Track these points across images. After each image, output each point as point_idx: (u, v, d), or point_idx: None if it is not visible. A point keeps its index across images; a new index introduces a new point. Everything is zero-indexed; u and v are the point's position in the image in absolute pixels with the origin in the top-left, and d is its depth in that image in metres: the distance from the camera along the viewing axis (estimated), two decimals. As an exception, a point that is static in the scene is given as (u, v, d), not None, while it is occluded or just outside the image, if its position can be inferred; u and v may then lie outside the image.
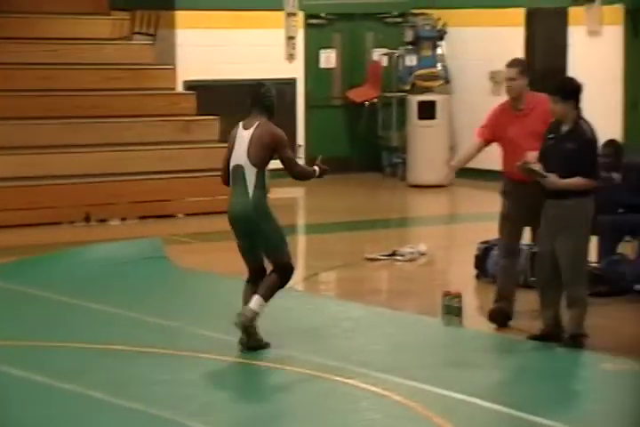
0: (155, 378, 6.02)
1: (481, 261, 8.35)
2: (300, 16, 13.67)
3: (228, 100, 13.35)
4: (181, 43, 12.97)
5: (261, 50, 13.35)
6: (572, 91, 6.41)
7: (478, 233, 9.02)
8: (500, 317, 6.96)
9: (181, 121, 12.04)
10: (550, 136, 6.49)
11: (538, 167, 6.38)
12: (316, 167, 6.66)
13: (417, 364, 6.28)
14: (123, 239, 9.65)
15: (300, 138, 13.75)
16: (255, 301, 6.41)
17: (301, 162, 13.35)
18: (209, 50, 13.02)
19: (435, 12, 13.69)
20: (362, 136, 14.06)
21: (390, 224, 11.67)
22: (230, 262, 9.36)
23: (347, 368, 6.17)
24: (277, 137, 6.45)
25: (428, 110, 13.34)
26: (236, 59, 13.16)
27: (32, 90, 11.64)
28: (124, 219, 11.09)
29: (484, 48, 13.31)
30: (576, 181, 6.33)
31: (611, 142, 8.39)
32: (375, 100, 14.01)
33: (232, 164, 6.51)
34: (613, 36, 12.08)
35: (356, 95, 14.07)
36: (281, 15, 13.53)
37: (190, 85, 12.85)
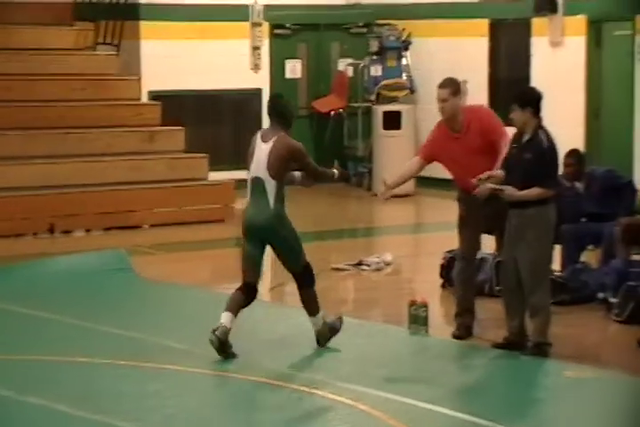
0: (119, 390, 5.98)
1: (446, 270, 8.38)
2: (266, 26, 13.69)
3: (193, 110, 13.35)
4: (146, 53, 12.94)
5: (226, 60, 13.35)
6: (529, 99, 6.46)
7: (443, 242, 9.05)
8: (464, 333, 6.97)
9: (146, 131, 12.01)
10: (513, 146, 6.53)
11: (491, 184, 6.41)
12: (335, 171, 6.91)
13: (383, 373, 6.28)
14: (87, 251, 9.59)
15: (266, 148, 13.73)
16: (313, 322, 6.72)
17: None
18: (174, 60, 13.00)
19: (400, 23, 13.76)
20: (328, 146, 14.09)
21: (356, 234, 11.69)
22: (195, 273, 9.35)
23: (313, 378, 6.16)
24: (295, 149, 6.63)
25: (393, 120, 13.40)
26: (201, 69, 13.15)
27: (-6, 100, 11.58)
28: (88, 230, 11.02)
29: (448, 58, 13.40)
30: (533, 192, 6.38)
31: (573, 152, 8.46)
32: (341, 111, 14.05)
33: (251, 175, 6.72)
34: (576, 46, 12.20)
35: (322, 105, 14.10)
36: (246, 25, 13.55)
37: (155, 96, 12.82)
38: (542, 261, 6.48)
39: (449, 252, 8.43)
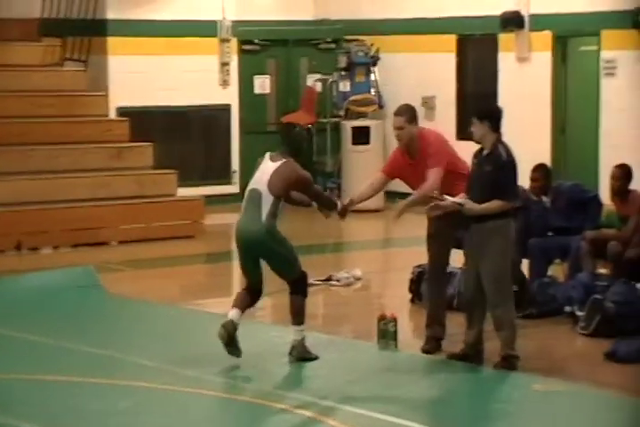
0: (89, 408, 5.94)
1: (415, 284, 8.41)
2: (234, 42, 13.71)
3: (161, 126, 13.33)
4: (114, 69, 12.91)
5: (195, 76, 13.34)
6: (487, 113, 6.58)
7: (412, 257, 9.07)
8: (433, 347, 6.99)
9: (114, 148, 11.97)
10: (474, 161, 6.61)
11: (448, 201, 6.48)
12: (339, 202, 7.08)
13: (352, 388, 6.29)
14: (55, 268, 9.53)
15: (235, 164, 13.75)
16: (294, 332, 6.76)
17: (236, 188, 13.40)
18: (142, 76, 12.98)
19: (368, 39, 13.84)
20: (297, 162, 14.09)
21: (325, 249, 11.70)
22: (164, 289, 9.31)
23: (282, 394, 6.15)
24: (303, 179, 6.80)
25: (362, 136, 13.45)
26: (169, 85, 13.15)
27: (-40, 117, 11.51)
28: (56, 247, 10.95)
29: (416, 74, 13.48)
30: (493, 204, 6.45)
31: (540, 166, 8.53)
32: (310, 126, 14.08)
33: (250, 187, 6.79)
34: (542, 61, 12.32)
35: (291, 121, 14.12)
36: (215, 41, 13.56)
37: (123, 112, 12.79)
38: (504, 274, 6.54)
39: (418, 267, 8.46)
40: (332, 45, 14.27)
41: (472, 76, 13.23)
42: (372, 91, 13.73)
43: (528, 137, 12.21)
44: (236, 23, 13.65)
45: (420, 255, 8.66)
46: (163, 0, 13.28)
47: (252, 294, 6.85)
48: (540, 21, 12.30)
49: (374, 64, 13.74)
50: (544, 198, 8.40)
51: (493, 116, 6.54)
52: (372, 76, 13.76)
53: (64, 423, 5.66)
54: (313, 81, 14.17)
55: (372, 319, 7.40)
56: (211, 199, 12.33)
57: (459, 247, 7.11)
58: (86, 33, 12.69)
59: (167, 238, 11.28)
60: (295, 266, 6.80)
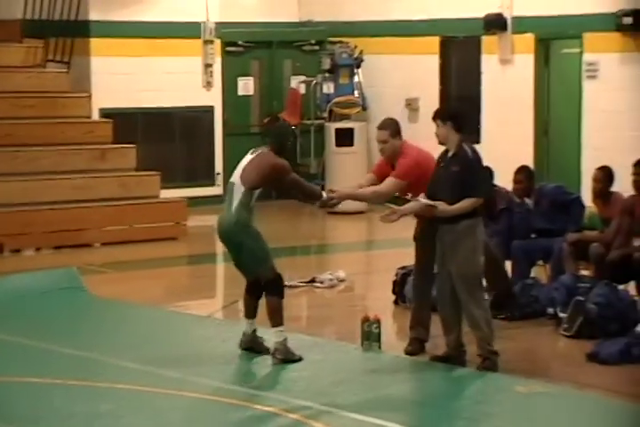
0: (70, 410, 5.92)
1: (399, 286, 8.42)
2: (218, 44, 13.69)
3: (145, 127, 13.30)
4: (96, 70, 12.87)
5: (178, 77, 13.32)
6: (449, 114, 6.64)
7: (396, 259, 9.09)
8: (416, 349, 7.00)
9: (97, 149, 11.93)
10: (440, 165, 6.64)
11: (424, 200, 6.53)
12: (324, 193, 6.93)
13: (336, 390, 6.29)
14: (38, 269, 9.49)
15: (219, 166, 13.73)
16: (274, 334, 6.74)
17: (220, 189, 13.38)
18: (125, 77, 12.95)
19: (352, 40, 13.85)
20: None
21: (309, 251, 11.70)
22: (147, 291, 9.29)
23: (266, 396, 6.15)
24: (277, 167, 6.72)
25: (345, 137, 13.46)
26: (152, 86, 13.12)
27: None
28: (38, 249, 10.91)
29: (400, 76, 13.50)
30: (466, 203, 6.49)
31: (523, 168, 8.55)
32: (294, 128, 14.07)
33: (230, 180, 6.84)
34: (524, 64, 12.36)
35: (275, 122, 14.11)
36: (198, 43, 13.54)
37: (106, 113, 12.75)
38: (476, 273, 6.57)
39: (402, 268, 8.47)
40: (316, 47, 14.28)
41: (455, 78, 13.26)
42: (356, 93, 13.74)
43: (511, 139, 12.25)
44: (220, 25, 13.64)
45: (404, 257, 8.68)
46: (146, 1, 13.26)
47: (254, 293, 6.82)
48: (522, 24, 12.34)
49: (358, 66, 13.75)
50: (527, 200, 8.42)
51: (456, 117, 6.59)
52: (356, 78, 13.77)
53: (44, 425, 5.63)
54: (297, 83, 14.17)
55: (355, 321, 7.41)
56: (194, 201, 12.31)
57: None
58: (69, 34, 12.65)
59: (150, 240, 11.26)
60: (265, 265, 6.72)
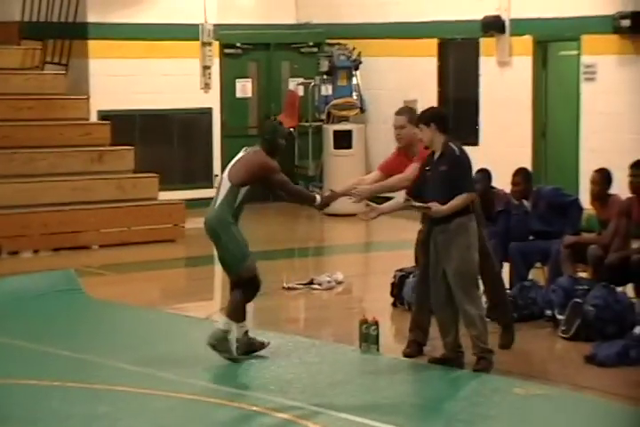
0: (68, 412, 5.91)
1: (397, 288, 8.42)
2: (216, 46, 13.70)
3: (143, 129, 13.30)
4: (95, 72, 12.87)
5: (177, 79, 13.33)
6: (431, 117, 6.63)
7: (394, 261, 9.10)
8: (414, 351, 7.00)
9: (95, 151, 11.93)
10: (426, 168, 6.64)
11: (418, 203, 6.54)
12: (317, 196, 6.86)
13: (334, 392, 6.28)
14: (35, 271, 9.48)
15: (217, 168, 13.72)
16: (221, 320, 6.72)
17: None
18: (123, 79, 12.95)
19: (350, 42, 13.85)
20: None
21: (307, 253, 11.70)
22: (145, 293, 9.29)
23: (263, 397, 6.14)
24: (265, 165, 6.69)
25: (343, 139, 13.46)
26: (151, 88, 13.12)
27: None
28: (36, 251, 10.91)
29: (398, 78, 13.51)
30: (458, 200, 6.50)
31: (521, 170, 8.56)
32: (291, 130, 14.08)
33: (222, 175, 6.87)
34: (522, 66, 12.37)
35: (273, 124, 14.11)
36: (196, 45, 13.54)
37: (104, 115, 12.75)
38: (469, 272, 6.57)
39: (400, 270, 8.47)
40: (314, 49, 14.29)
41: (453, 80, 13.26)
42: (354, 95, 13.74)
43: (509, 141, 12.25)
44: (218, 27, 13.64)
45: (402, 259, 8.69)
46: (144, 3, 13.26)
47: (245, 293, 6.76)
48: (520, 26, 12.36)
49: (356, 68, 13.75)
50: (525, 202, 8.42)
51: (439, 119, 6.60)
52: (354, 80, 13.77)
53: (43, 428, 5.64)
54: (295, 85, 14.17)
55: (353, 323, 7.41)
56: (192, 203, 12.31)
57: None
58: (67, 36, 12.65)
59: (148, 242, 11.25)
60: (241, 262, 6.66)
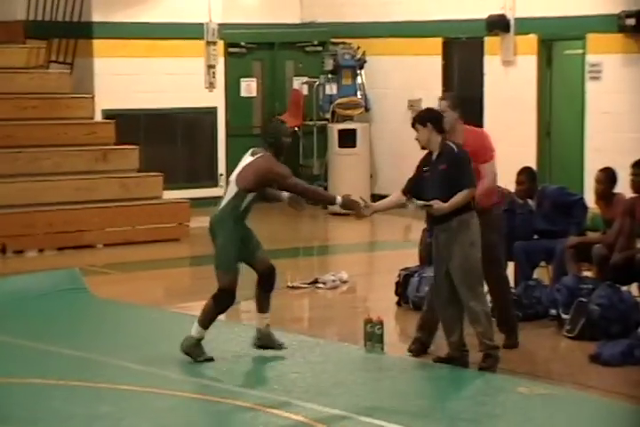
0: (70, 411, 5.91)
1: (402, 287, 8.41)
2: (220, 45, 13.70)
3: (147, 128, 13.31)
4: (99, 71, 12.88)
5: (181, 79, 13.33)
6: (427, 117, 6.65)
7: (399, 260, 9.09)
8: (418, 349, 7.00)
9: (100, 150, 11.94)
10: (425, 169, 6.63)
11: (420, 202, 6.54)
12: (339, 197, 6.73)
13: (338, 391, 6.28)
14: (40, 271, 9.49)
15: (222, 167, 13.73)
16: (194, 327, 6.71)
17: (222, 191, 13.35)
18: (128, 78, 12.96)
19: (354, 42, 13.85)
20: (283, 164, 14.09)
21: (312, 252, 11.70)
22: (149, 292, 9.30)
23: (268, 397, 6.14)
24: (274, 173, 6.66)
25: (348, 138, 13.46)
26: (155, 87, 13.13)
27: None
28: (41, 250, 10.92)
29: (402, 77, 13.50)
30: (460, 197, 6.50)
31: (525, 170, 8.55)
32: (296, 129, 14.08)
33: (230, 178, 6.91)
34: (527, 65, 12.35)
35: (277, 123, 14.09)
36: (201, 44, 13.55)
37: (109, 114, 12.76)
38: (472, 269, 6.56)
39: (404, 269, 8.47)
40: (319, 48, 14.28)
41: (458, 80, 13.25)
42: (359, 94, 13.74)
43: (513, 140, 12.23)
44: (223, 26, 13.65)
45: (407, 258, 8.69)
46: (149, 2, 13.27)
47: (260, 285, 6.84)
48: (525, 25, 12.34)
49: (361, 67, 13.75)
50: (529, 202, 8.41)
51: (435, 119, 6.62)
52: (359, 79, 13.77)
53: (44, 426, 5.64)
54: (299, 84, 14.17)
55: (357, 322, 7.40)
56: (196, 202, 12.32)
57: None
58: (71, 35, 12.66)
59: (152, 241, 11.26)
60: (221, 270, 6.64)
